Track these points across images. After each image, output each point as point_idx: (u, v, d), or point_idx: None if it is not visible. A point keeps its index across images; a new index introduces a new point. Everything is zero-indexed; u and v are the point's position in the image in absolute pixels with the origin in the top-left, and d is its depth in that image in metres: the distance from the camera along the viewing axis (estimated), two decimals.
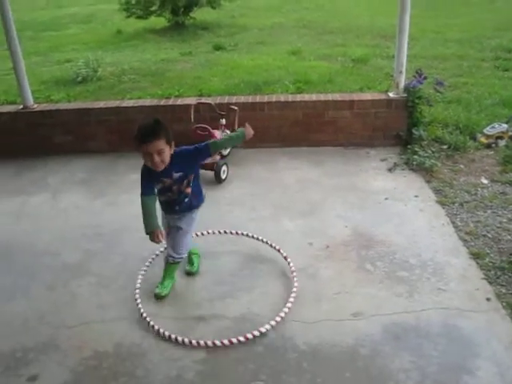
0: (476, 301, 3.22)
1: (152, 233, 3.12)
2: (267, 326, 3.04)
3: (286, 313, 3.14)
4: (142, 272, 3.56)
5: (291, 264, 3.55)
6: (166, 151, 2.98)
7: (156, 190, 3.18)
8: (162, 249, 3.68)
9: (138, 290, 3.41)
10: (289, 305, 3.20)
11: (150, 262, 3.67)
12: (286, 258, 3.61)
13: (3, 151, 5.64)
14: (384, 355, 2.85)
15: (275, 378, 2.75)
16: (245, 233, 3.87)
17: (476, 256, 3.61)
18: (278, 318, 3.09)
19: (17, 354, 2.98)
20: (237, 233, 3.87)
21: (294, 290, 3.32)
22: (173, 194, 3.17)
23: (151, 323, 3.11)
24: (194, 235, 3.61)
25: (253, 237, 3.83)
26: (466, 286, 3.35)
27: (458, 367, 2.76)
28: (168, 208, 3.28)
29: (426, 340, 2.93)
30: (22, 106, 5.71)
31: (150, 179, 3.12)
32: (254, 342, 2.98)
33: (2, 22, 5.32)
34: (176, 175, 3.10)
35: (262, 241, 3.79)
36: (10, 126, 5.61)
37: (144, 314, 3.19)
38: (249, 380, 2.74)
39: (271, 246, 3.74)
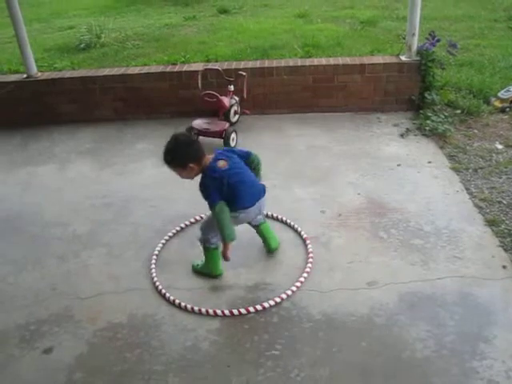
0: (492, 268, 3.17)
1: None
2: (283, 295, 3.02)
3: (302, 282, 3.12)
4: (160, 244, 3.53)
5: (305, 235, 3.52)
6: (183, 173, 2.99)
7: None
8: (186, 222, 3.67)
9: (154, 261, 3.39)
10: (305, 274, 3.18)
11: (170, 237, 3.63)
12: (300, 232, 3.58)
13: (8, 121, 5.58)
14: (400, 324, 2.83)
15: (290, 348, 2.74)
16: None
17: (491, 223, 3.56)
18: (294, 288, 3.07)
19: (31, 327, 2.98)
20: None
21: (310, 259, 3.29)
22: None
23: (166, 294, 3.10)
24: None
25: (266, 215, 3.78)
26: (482, 254, 3.30)
27: (475, 336, 2.73)
28: None
29: (442, 309, 2.90)
30: (25, 75, 5.61)
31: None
32: (269, 312, 2.96)
33: None
34: None
35: (277, 218, 3.74)
36: (15, 96, 5.51)
37: (158, 285, 3.18)
38: (264, 350, 2.73)
39: (283, 221, 3.70)
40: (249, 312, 2.96)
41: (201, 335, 2.86)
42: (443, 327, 2.79)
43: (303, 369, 2.62)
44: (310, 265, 3.25)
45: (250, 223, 3.29)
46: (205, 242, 3.18)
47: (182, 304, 3.02)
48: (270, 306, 2.98)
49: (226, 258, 3.05)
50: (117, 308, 3.07)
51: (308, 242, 3.45)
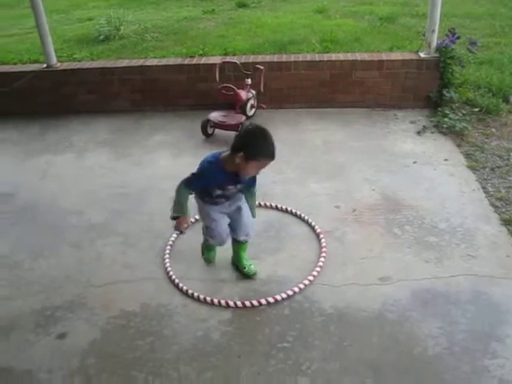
0: (506, 268, 3.15)
1: (178, 218, 2.87)
2: (296, 289, 3.03)
3: (315, 276, 3.13)
4: (174, 235, 3.54)
5: (318, 229, 3.53)
6: None
7: (211, 191, 2.92)
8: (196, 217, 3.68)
9: (168, 251, 3.42)
10: (318, 268, 3.18)
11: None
12: (314, 226, 3.58)
13: (27, 111, 5.64)
14: (412, 321, 2.82)
15: (301, 341, 2.75)
16: (273, 204, 3.83)
17: (507, 222, 3.53)
18: (307, 281, 3.08)
19: (46, 312, 3.02)
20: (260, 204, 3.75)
21: (323, 254, 3.30)
22: (230, 193, 2.96)
23: (180, 284, 3.13)
24: None
25: (281, 209, 3.80)
26: (497, 253, 3.28)
27: (487, 334, 2.72)
28: (222, 199, 2.98)
29: (455, 306, 2.89)
30: (45, 65, 5.66)
31: (210, 182, 2.83)
32: (281, 304, 2.97)
33: None
34: (241, 186, 2.92)
35: (291, 212, 3.75)
36: (35, 85, 5.57)
37: (172, 275, 3.21)
38: (275, 342, 2.75)
39: (297, 215, 3.71)
40: (261, 304, 2.97)
41: (212, 326, 2.88)
42: (455, 325, 2.78)
43: (314, 362, 2.63)
44: (322, 259, 3.26)
45: (233, 238, 3.16)
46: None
47: (195, 294, 3.04)
48: (282, 299, 2.99)
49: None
50: (130, 296, 3.11)
51: (322, 236, 3.46)
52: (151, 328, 2.88)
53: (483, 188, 3.93)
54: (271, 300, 2.98)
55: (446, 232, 3.49)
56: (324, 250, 3.33)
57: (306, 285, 3.07)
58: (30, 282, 3.30)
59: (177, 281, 3.16)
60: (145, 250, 3.50)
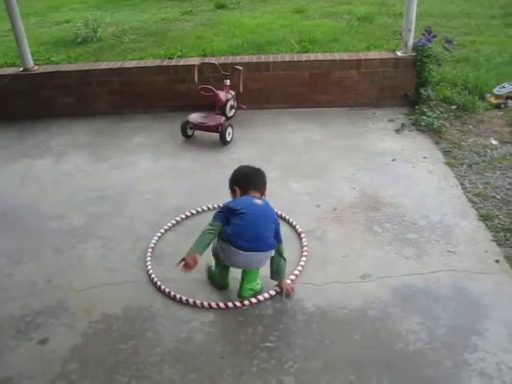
0: (485, 263, 3.20)
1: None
2: (277, 289, 3.05)
3: (296, 275, 3.15)
4: (156, 237, 3.54)
5: (300, 229, 3.54)
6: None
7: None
8: (182, 216, 3.67)
9: (149, 253, 3.41)
10: (300, 268, 3.20)
11: (166, 230, 3.64)
12: (295, 226, 3.59)
13: (5, 115, 5.57)
14: (393, 317, 2.85)
15: (284, 340, 2.76)
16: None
17: (485, 218, 3.58)
18: (288, 281, 3.08)
19: (26, 318, 2.99)
20: None
21: (305, 253, 3.32)
22: None
23: (162, 286, 3.12)
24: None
25: None
26: (475, 248, 3.33)
27: (467, 329, 2.76)
28: None
29: (435, 302, 2.93)
30: (22, 68, 5.60)
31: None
32: (263, 305, 2.98)
33: None
34: None
35: None
36: (11, 89, 5.50)
37: (154, 277, 3.20)
38: (258, 341, 2.75)
39: (278, 215, 3.66)
40: (243, 305, 2.97)
41: (195, 327, 2.87)
42: (436, 320, 2.82)
43: (297, 361, 2.64)
44: (304, 258, 3.27)
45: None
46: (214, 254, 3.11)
47: (177, 296, 3.04)
48: (265, 299, 3.00)
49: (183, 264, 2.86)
50: (112, 300, 3.09)
51: (303, 235, 3.47)
52: (133, 331, 2.87)
53: (461, 184, 3.98)
54: (254, 300, 2.98)
55: (425, 228, 3.53)
56: (305, 249, 3.35)
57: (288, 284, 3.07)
58: (9, 287, 3.26)
59: (159, 283, 3.15)
60: (126, 253, 3.48)
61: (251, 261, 2.95)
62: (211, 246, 3.00)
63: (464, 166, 4.21)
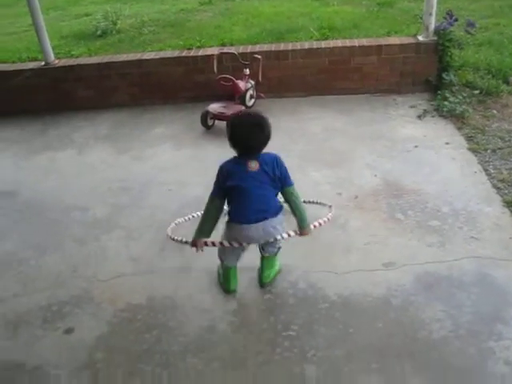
0: (510, 249, 3.15)
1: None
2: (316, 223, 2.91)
3: (320, 223, 2.96)
4: (175, 222, 3.44)
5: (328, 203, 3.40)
6: None
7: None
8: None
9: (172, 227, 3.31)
10: (325, 219, 3.02)
11: (186, 219, 3.53)
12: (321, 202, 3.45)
13: (28, 109, 5.67)
14: (416, 305, 2.83)
15: (307, 328, 2.76)
16: None
17: (510, 204, 3.52)
18: (312, 227, 2.89)
19: (53, 308, 3.05)
20: None
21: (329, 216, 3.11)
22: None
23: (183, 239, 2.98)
24: None
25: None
26: (500, 235, 3.28)
27: (492, 317, 2.72)
28: None
29: (459, 290, 2.89)
30: (43, 63, 5.67)
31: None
32: (285, 293, 2.98)
33: None
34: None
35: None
36: (34, 83, 5.59)
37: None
38: (280, 330, 2.76)
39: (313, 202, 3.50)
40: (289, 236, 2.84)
41: (218, 316, 2.89)
42: (460, 308, 2.79)
43: (320, 349, 2.64)
44: (330, 214, 3.10)
45: (260, 249, 3.02)
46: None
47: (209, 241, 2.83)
48: (314, 227, 2.88)
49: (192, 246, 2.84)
50: (136, 290, 3.13)
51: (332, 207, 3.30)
52: (157, 320, 2.90)
53: (485, 170, 3.92)
54: (316, 224, 2.88)
55: (448, 215, 3.48)
56: (330, 215, 3.13)
57: (315, 226, 2.91)
58: (36, 278, 3.32)
59: (184, 239, 2.96)
60: (148, 243, 3.51)
61: (265, 227, 2.78)
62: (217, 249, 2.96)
63: (488, 152, 4.14)
